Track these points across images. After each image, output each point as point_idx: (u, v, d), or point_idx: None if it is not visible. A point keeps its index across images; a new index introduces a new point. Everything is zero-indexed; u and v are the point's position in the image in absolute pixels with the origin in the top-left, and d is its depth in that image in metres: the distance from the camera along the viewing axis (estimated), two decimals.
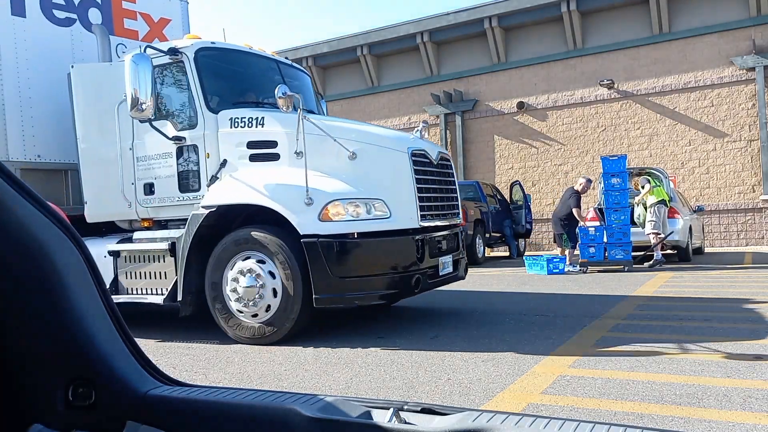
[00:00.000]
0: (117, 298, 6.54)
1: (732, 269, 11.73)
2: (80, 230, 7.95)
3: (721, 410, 3.50)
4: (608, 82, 18.82)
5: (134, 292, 6.57)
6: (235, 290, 5.90)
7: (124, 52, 7.43)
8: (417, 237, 6.01)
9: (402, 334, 6.13)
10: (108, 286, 6.52)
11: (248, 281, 5.82)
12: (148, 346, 6.24)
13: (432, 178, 6.34)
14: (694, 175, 18.23)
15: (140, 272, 6.54)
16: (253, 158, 6.15)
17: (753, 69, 17.24)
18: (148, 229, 6.80)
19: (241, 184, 6.04)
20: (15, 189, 1.01)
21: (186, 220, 6.30)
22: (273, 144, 6.11)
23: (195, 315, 7.96)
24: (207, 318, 7.88)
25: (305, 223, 5.63)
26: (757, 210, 17.66)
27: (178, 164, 6.42)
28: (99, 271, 1.13)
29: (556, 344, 5.36)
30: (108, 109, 6.74)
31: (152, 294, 6.45)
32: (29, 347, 1.07)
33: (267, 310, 5.81)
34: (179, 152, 6.40)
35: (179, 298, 6.13)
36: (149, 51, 6.20)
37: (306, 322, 5.90)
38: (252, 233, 5.88)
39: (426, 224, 6.14)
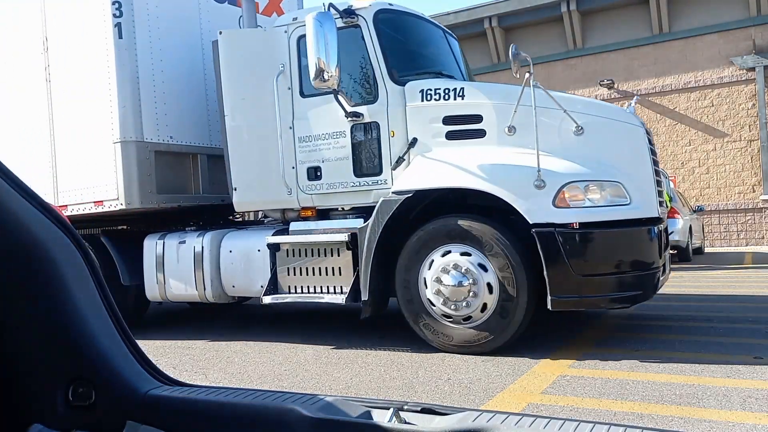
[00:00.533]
0: (282, 297, 5.87)
1: (732, 269, 11.73)
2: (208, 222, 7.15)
3: (721, 410, 3.50)
4: (608, 82, 18.82)
5: (301, 290, 5.81)
6: (438, 290, 5.12)
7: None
8: (657, 228, 5.16)
9: (402, 334, 6.13)
10: (264, 285, 5.92)
11: (456, 279, 5.04)
12: (148, 346, 6.24)
13: (655, 159, 5.52)
14: (694, 175, 18.23)
15: (309, 268, 5.77)
16: (451, 136, 5.37)
17: (753, 69, 17.24)
18: (305, 219, 6.04)
19: (442, 166, 5.27)
20: (15, 189, 1.01)
21: (360, 208, 5.70)
22: (477, 118, 5.31)
23: (191, 314, 7.92)
24: (208, 317, 7.87)
25: (536, 210, 4.83)
26: (757, 210, 17.65)
27: (352, 144, 5.64)
28: (99, 270, 1.13)
29: (556, 344, 5.36)
30: (262, 81, 5.96)
31: (328, 293, 5.69)
32: (29, 347, 1.07)
33: (481, 314, 5.03)
34: (354, 130, 5.63)
35: (364, 298, 5.37)
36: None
37: (527, 328, 5.13)
38: (459, 223, 5.11)
39: (661, 212, 5.31)
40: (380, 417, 0.97)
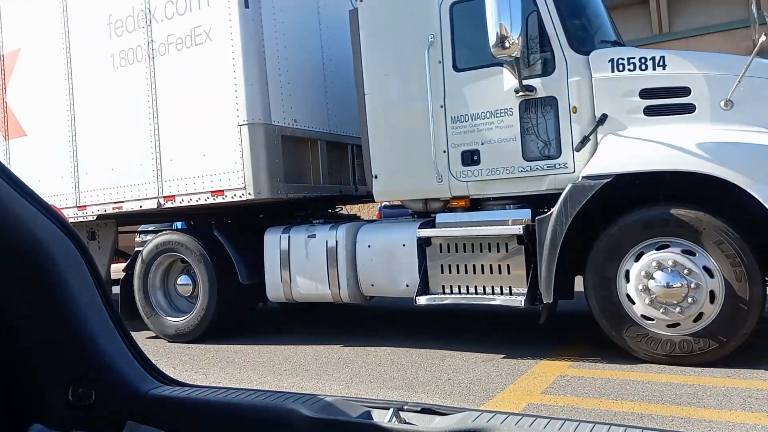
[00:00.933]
0: (441, 298, 5.24)
1: None
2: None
3: (721, 410, 3.50)
4: None
5: (458, 290, 5.17)
6: (647, 291, 4.47)
7: None
8: None
9: (402, 334, 6.13)
10: (411, 284, 5.32)
11: (669, 279, 4.39)
12: (149, 346, 6.24)
13: None
14: None
15: (467, 266, 5.12)
16: (651, 111, 4.71)
17: None
18: (451, 210, 5.42)
19: (646, 146, 4.60)
20: (15, 189, 1.01)
21: (519, 197, 5.13)
22: (684, 91, 4.66)
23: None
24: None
25: None
26: None
27: (522, 123, 4.98)
28: (99, 270, 1.13)
29: (556, 344, 5.35)
30: (408, 54, 5.38)
31: (494, 294, 5.04)
32: (29, 347, 1.07)
33: (699, 319, 4.39)
34: (524, 107, 4.98)
35: (546, 300, 4.70)
36: None
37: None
38: (673, 212, 4.44)
39: None
40: (380, 417, 0.97)
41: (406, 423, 0.96)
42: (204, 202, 6.09)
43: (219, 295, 6.25)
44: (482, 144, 5.14)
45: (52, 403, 1.07)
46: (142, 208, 6.49)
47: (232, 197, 5.88)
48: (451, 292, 5.20)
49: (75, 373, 1.07)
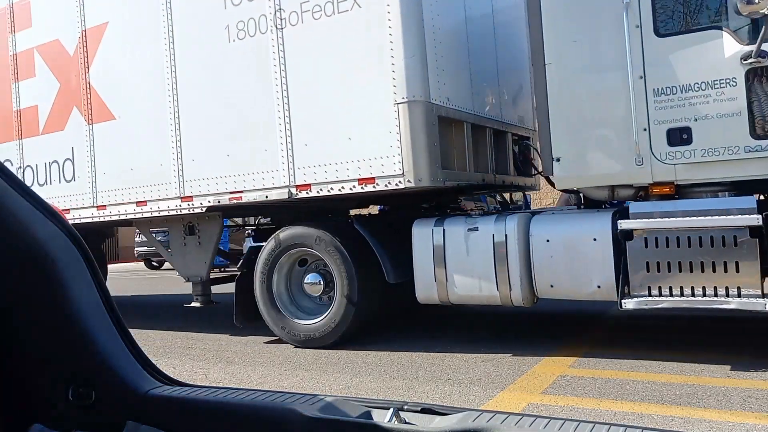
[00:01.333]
0: (654, 302, 4.52)
1: None
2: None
3: (721, 410, 3.50)
4: None
5: (671, 293, 4.48)
6: None
7: None
8: None
9: (402, 334, 6.14)
10: (602, 285, 4.70)
11: None
12: (149, 346, 6.25)
13: None
14: None
15: (684, 263, 4.43)
16: None
17: None
18: (644, 198, 4.78)
19: None
20: (15, 189, 1.01)
21: (731, 183, 4.52)
22: None
23: (189, 313, 7.85)
24: (211, 313, 7.82)
25: None
26: None
27: (749, 95, 4.31)
28: (99, 270, 1.13)
29: (556, 344, 5.36)
30: (600, 18, 4.80)
31: (725, 296, 4.33)
32: (29, 347, 1.07)
33: None
34: (753, 76, 4.32)
35: None
36: None
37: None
38: None
39: None
40: (380, 417, 0.97)
41: (406, 423, 0.96)
42: (348, 192, 5.42)
43: (360, 296, 5.59)
44: (695, 120, 4.48)
45: (52, 403, 1.07)
46: (268, 198, 5.78)
47: (386, 185, 5.22)
48: (660, 294, 4.51)
49: (75, 373, 1.07)
